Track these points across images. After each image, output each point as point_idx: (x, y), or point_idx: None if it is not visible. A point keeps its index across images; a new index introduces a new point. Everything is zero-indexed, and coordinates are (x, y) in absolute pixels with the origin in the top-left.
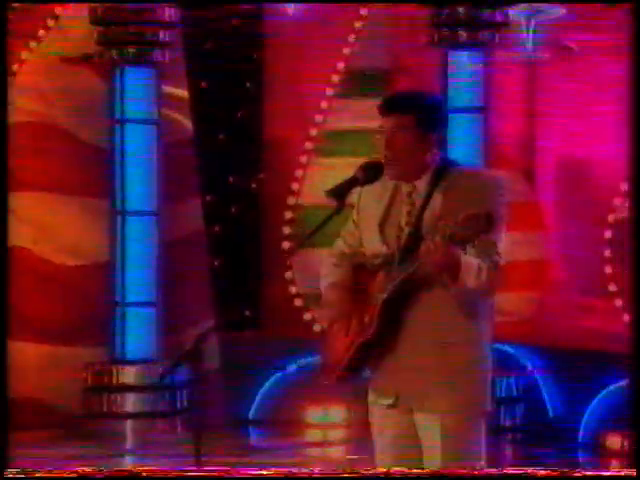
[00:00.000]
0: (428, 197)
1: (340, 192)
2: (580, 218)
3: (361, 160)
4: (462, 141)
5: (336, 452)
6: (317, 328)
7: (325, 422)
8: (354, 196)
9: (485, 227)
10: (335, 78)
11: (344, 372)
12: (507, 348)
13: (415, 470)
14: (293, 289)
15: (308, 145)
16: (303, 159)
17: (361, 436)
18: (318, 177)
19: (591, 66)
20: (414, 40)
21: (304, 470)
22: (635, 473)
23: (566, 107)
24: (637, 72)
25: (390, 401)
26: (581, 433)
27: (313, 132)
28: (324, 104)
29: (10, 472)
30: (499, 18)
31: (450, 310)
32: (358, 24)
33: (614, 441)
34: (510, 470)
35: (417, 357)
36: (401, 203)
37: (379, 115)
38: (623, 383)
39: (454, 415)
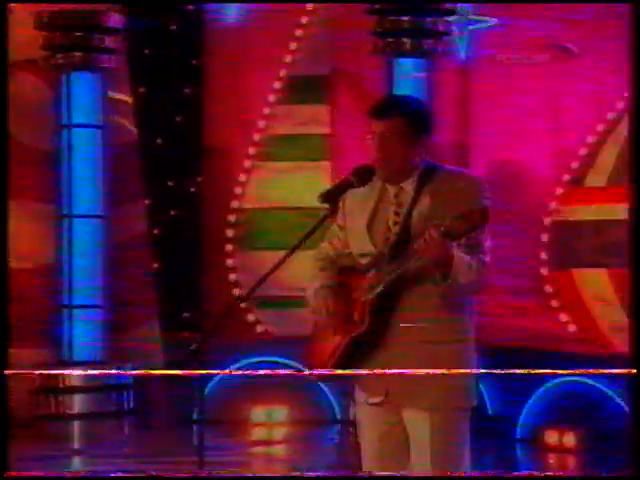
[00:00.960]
0: (415, 198)
1: (333, 196)
2: (516, 221)
3: (304, 164)
4: None
5: (280, 450)
6: (260, 329)
7: (269, 421)
8: (338, 200)
9: (480, 222)
10: (277, 85)
11: (335, 367)
12: None
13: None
14: (237, 291)
15: (251, 150)
16: (247, 164)
17: (304, 434)
18: (261, 181)
19: (526, 73)
20: (356, 47)
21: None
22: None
23: (501, 112)
24: (637, 72)
25: (379, 399)
26: (519, 429)
27: (256, 137)
28: (267, 110)
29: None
30: (441, 27)
31: (438, 308)
32: (299, 32)
33: (552, 436)
34: (510, 474)
35: (405, 355)
36: (388, 205)
37: (370, 119)
38: (559, 380)
39: (443, 411)
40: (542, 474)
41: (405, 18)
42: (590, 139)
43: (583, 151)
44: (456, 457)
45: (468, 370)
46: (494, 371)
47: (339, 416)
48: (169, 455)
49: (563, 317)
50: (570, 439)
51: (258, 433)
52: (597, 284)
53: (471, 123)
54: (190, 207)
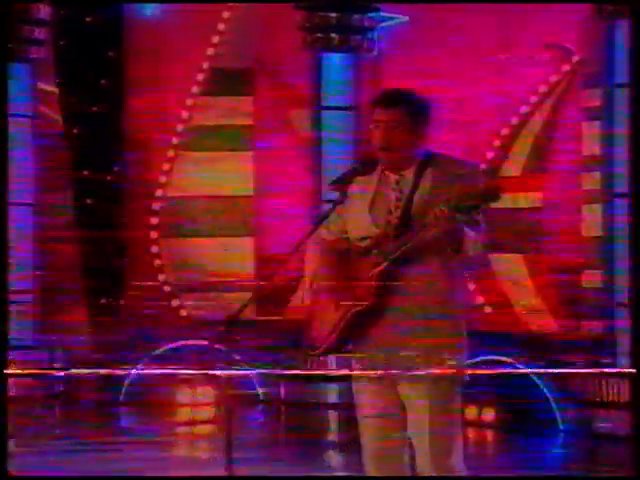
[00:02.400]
0: (416, 184)
1: (342, 183)
2: None
3: (226, 154)
4: (334, 138)
5: (204, 430)
6: (184, 313)
7: (193, 402)
8: (347, 187)
9: (489, 198)
10: (200, 77)
11: (333, 343)
12: None
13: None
14: (162, 276)
15: (175, 140)
16: (170, 153)
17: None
18: (184, 170)
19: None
20: (277, 42)
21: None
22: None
23: None
24: (637, 72)
25: (379, 372)
26: None
27: (180, 128)
28: (190, 101)
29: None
30: (367, 23)
31: (436, 286)
32: (221, 26)
33: (471, 412)
34: (510, 473)
35: (404, 331)
36: (389, 191)
37: (375, 108)
38: (478, 360)
39: (440, 384)
40: (542, 474)
41: (333, 14)
42: (504, 131)
43: (498, 142)
44: (452, 428)
45: (469, 370)
46: (491, 370)
47: (261, 397)
48: (97, 436)
49: (480, 299)
50: (489, 414)
51: (182, 413)
52: (512, 268)
53: None
54: (112, 196)
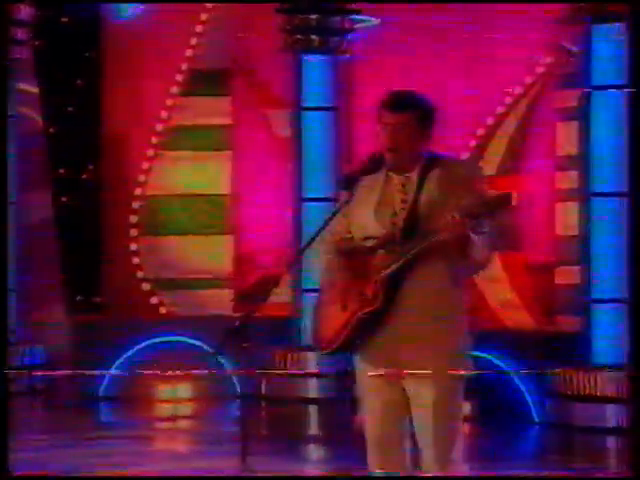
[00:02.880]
0: (421, 185)
1: (351, 182)
2: None
3: (205, 154)
4: (316, 139)
5: (185, 425)
6: (163, 310)
7: (173, 398)
8: (355, 186)
9: (503, 205)
10: (179, 77)
11: (344, 342)
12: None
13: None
14: (140, 274)
15: (154, 139)
16: (150, 152)
17: (207, 409)
18: (164, 169)
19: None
20: (257, 43)
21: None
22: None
23: None
24: (637, 73)
25: (384, 370)
26: None
27: (159, 127)
28: (169, 101)
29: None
30: (347, 25)
31: (441, 287)
32: (199, 28)
33: None
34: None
35: (411, 329)
36: (395, 193)
37: (384, 111)
38: None
39: (443, 381)
40: (542, 474)
41: (313, 17)
42: (480, 131)
43: (473, 143)
44: (455, 423)
45: (470, 371)
46: (489, 371)
47: (239, 391)
48: (76, 431)
49: None
50: (465, 408)
51: (164, 409)
52: None
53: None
54: (91, 194)
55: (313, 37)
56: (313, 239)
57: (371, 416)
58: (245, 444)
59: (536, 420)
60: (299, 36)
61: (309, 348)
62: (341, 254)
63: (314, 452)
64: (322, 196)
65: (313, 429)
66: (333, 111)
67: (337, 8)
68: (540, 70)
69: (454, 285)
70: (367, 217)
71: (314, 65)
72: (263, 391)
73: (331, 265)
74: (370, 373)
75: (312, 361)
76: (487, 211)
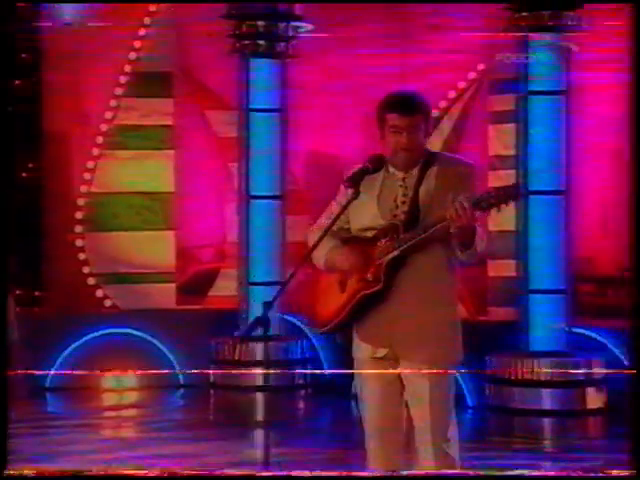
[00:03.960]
0: (421, 179)
1: (356, 180)
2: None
3: (148, 153)
4: (263, 138)
5: (130, 413)
6: (108, 304)
7: (119, 387)
8: (343, 185)
9: (513, 196)
10: (123, 79)
11: (341, 322)
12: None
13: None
14: (86, 269)
15: (99, 139)
16: (95, 151)
17: (153, 399)
18: (109, 168)
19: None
20: (198, 47)
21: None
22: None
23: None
24: (637, 73)
25: (383, 353)
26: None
27: (104, 127)
28: (113, 102)
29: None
30: (291, 32)
31: (438, 273)
32: (142, 32)
33: None
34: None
35: (409, 315)
36: (396, 186)
37: (394, 115)
38: None
39: (439, 365)
40: (542, 474)
41: (261, 23)
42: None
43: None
44: (449, 406)
45: (464, 370)
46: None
47: (182, 381)
48: (24, 422)
49: None
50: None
51: (109, 398)
52: None
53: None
54: (32, 191)
55: (260, 42)
56: (318, 243)
57: (370, 397)
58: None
59: (470, 405)
60: (247, 41)
61: (256, 338)
62: (341, 243)
63: (262, 437)
64: (268, 194)
65: (261, 415)
66: (278, 112)
67: (283, 15)
68: (473, 76)
69: (450, 273)
70: (369, 209)
71: (261, 68)
72: (212, 379)
73: (331, 253)
74: (371, 354)
75: (259, 350)
76: (497, 202)
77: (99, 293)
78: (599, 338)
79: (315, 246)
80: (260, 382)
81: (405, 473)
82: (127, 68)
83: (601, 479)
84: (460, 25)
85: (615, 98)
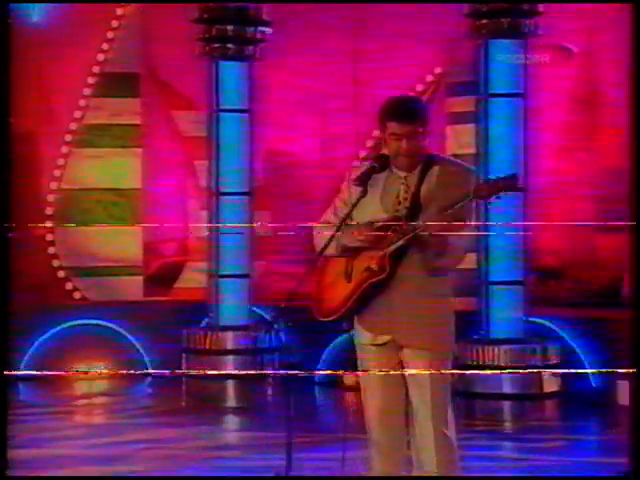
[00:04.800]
0: (422, 178)
1: (364, 179)
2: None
3: (116, 151)
4: (232, 138)
5: (100, 401)
6: (78, 295)
7: (90, 376)
8: (345, 183)
9: (513, 185)
10: (91, 80)
11: (349, 311)
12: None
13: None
14: (56, 262)
15: (68, 137)
16: (64, 149)
17: (120, 387)
18: (78, 165)
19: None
20: (165, 48)
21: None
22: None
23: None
24: (637, 72)
25: (385, 340)
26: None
27: (73, 126)
28: (82, 102)
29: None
30: (259, 36)
31: (437, 264)
32: (110, 34)
33: (350, 377)
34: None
35: (408, 304)
36: (397, 185)
37: (394, 122)
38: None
39: (437, 351)
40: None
41: (230, 27)
42: (377, 132)
43: (370, 142)
44: (447, 390)
45: (458, 370)
46: (486, 372)
47: (150, 369)
48: None
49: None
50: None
51: (80, 387)
52: None
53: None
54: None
55: (229, 46)
56: (331, 239)
57: (373, 382)
58: (291, 431)
59: None
60: (216, 45)
61: (225, 328)
62: (344, 235)
63: (232, 422)
64: (236, 190)
65: (231, 402)
66: (247, 113)
67: (251, 19)
68: (431, 79)
69: (446, 272)
70: (373, 205)
71: (230, 71)
72: (184, 368)
73: (339, 239)
74: (372, 341)
75: (229, 340)
76: (497, 190)
77: (69, 286)
78: (552, 326)
79: (328, 244)
80: (231, 370)
81: (405, 474)
82: (95, 69)
83: (601, 479)
84: (420, 30)
85: (570, 98)
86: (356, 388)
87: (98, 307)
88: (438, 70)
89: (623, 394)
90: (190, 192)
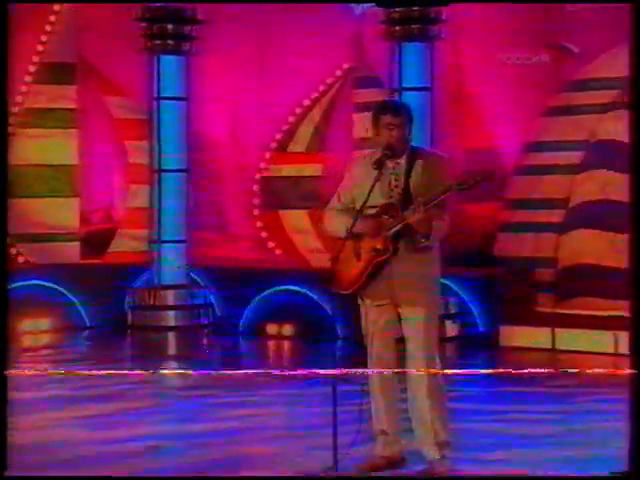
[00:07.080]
0: (409, 168)
1: (380, 164)
2: (234, 177)
3: (55, 132)
4: (170, 126)
5: (46, 355)
6: (22, 259)
7: (35, 329)
8: (347, 174)
9: (489, 177)
10: (31, 68)
11: (362, 284)
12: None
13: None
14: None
15: (12, 120)
16: (9, 130)
17: (62, 339)
18: (21, 144)
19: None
20: (99, 42)
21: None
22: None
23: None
24: (637, 72)
25: (385, 301)
26: (241, 325)
27: (15, 110)
28: (23, 88)
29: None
30: (194, 33)
31: (431, 243)
32: (48, 27)
33: (272, 327)
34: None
35: (404, 272)
36: (388, 174)
37: (385, 115)
38: (271, 290)
39: (429, 311)
40: (541, 475)
41: (170, 25)
42: (291, 119)
43: (285, 127)
44: (436, 339)
45: (450, 370)
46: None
47: (88, 324)
48: None
49: (271, 244)
50: (287, 330)
51: (26, 340)
52: (297, 221)
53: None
54: None
55: (170, 42)
56: (357, 219)
57: (376, 334)
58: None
59: (340, 335)
60: (158, 41)
61: (166, 287)
62: (349, 216)
63: (170, 367)
64: (175, 168)
65: (172, 351)
66: (184, 100)
67: (188, 18)
68: (339, 73)
69: (434, 245)
70: (374, 192)
71: (170, 63)
72: (129, 321)
73: (345, 223)
74: (375, 303)
75: (170, 296)
76: (475, 182)
77: (13, 251)
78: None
79: (353, 226)
80: (172, 323)
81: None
82: (35, 58)
83: (600, 479)
84: (332, 32)
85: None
86: (278, 337)
87: (40, 270)
88: (346, 65)
89: (504, 336)
90: (119, 168)
